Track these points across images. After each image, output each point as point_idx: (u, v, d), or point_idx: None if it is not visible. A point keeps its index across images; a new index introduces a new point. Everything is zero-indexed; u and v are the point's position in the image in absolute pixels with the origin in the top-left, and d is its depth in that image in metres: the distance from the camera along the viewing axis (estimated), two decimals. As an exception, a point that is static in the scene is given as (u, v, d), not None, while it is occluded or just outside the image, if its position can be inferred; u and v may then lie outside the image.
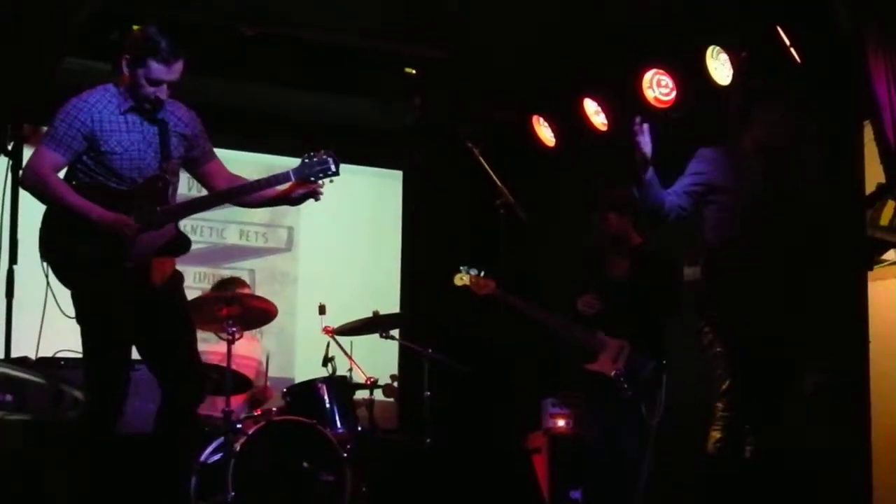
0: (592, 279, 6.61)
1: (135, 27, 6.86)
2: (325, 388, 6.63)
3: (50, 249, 4.89)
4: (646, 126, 5.13)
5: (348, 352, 6.97)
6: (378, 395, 6.92)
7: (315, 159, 5.23)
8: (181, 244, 5.14)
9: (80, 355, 5.28)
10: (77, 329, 5.04)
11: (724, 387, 5.25)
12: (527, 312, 6.46)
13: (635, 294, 6.40)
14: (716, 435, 5.26)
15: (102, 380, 4.91)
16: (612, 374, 6.32)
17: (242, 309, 6.31)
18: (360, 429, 6.64)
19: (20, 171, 4.97)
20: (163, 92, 5.00)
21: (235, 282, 7.37)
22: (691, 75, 7.11)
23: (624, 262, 6.55)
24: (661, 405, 6.32)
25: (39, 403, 4.74)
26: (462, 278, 6.46)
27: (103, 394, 4.90)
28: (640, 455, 6.28)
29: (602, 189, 6.74)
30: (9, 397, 4.72)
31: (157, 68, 4.94)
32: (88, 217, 4.83)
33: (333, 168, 5.23)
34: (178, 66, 5.00)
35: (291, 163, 9.01)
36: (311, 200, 5.25)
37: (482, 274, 6.44)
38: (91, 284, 4.87)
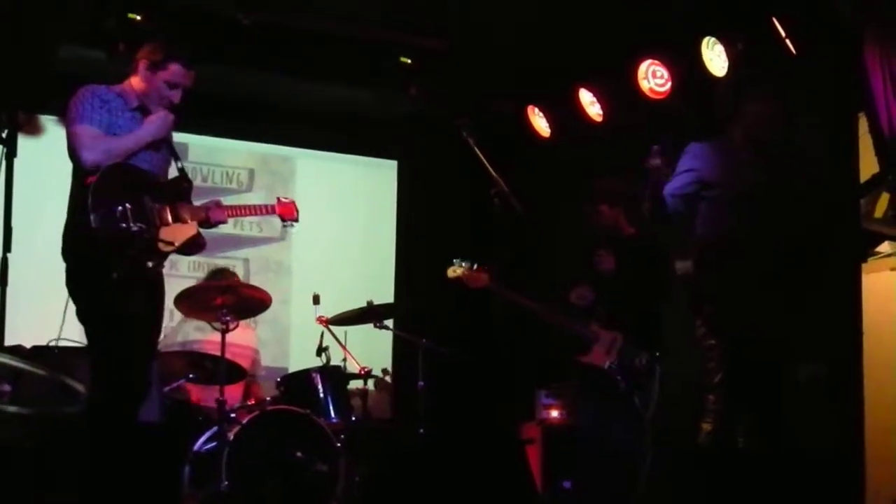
0: (585, 270, 6.60)
1: (130, 15, 6.93)
2: (319, 377, 6.64)
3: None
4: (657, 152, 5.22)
5: (342, 341, 6.97)
6: (372, 384, 6.93)
7: (289, 202, 5.85)
8: (200, 245, 5.28)
9: (74, 344, 5.28)
10: (71, 318, 5.05)
11: (716, 379, 5.25)
12: (521, 305, 6.45)
13: (628, 285, 6.39)
14: (706, 427, 5.25)
15: (115, 364, 4.89)
16: (606, 366, 6.32)
17: (237, 298, 6.32)
18: (353, 418, 6.65)
19: (75, 161, 4.99)
20: (176, 96, 5.16)
21: (224, 272, 7.39)
22: (687, 66, 7.11)
23: (616, 253, 6.53)
24: (655, 397, 6.31)
25: (38, 395, 4.72)
26: (455, 271, 6.41)
27: (116, 379, 4.88)
28: (633, 447, 6.27)
29: (593, 180, 6.72)
30: (6, 387, 4.71)
31: (179, 72, 5.14)
32: (143, 137, 5.05)
33: (298, 217, 5.88)
34: (193, 74, 5.21)
35: (287, 153, 9.05)
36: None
37: (475, 266, 6.41)
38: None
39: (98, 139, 4.96)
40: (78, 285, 4.99)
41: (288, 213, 5.82)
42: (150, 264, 4.97)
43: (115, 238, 4.81)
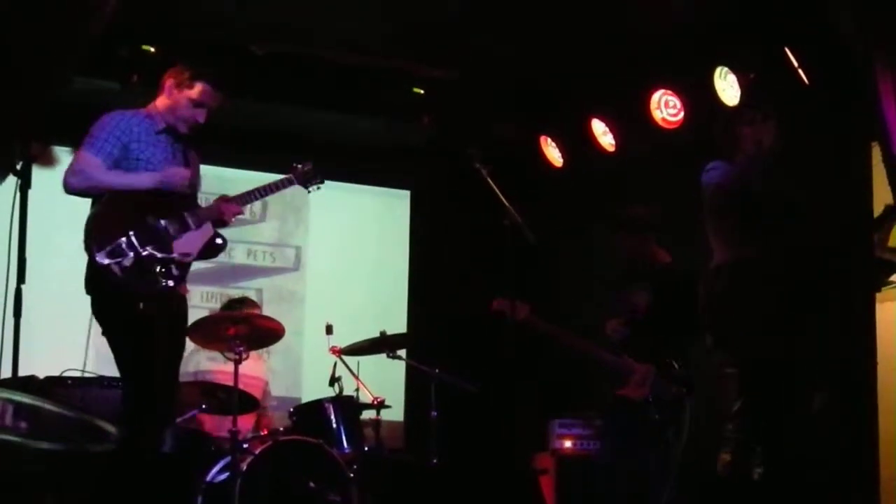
0: (617, 302, 6.55)
1: (144, 47, 6.97)
2: (331, 407, 6.62)
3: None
4: None
5: (355, 372, 6.95)
6: (385, 415, 6.91)
7: (308, 168, 5.81)
8: (219, 246, 5.30)
9: (87, 374, 5.27)
10: (81, 348, 5.04)
11: (735, 408, 5.24)
12: (557, 337, 6.44)
13: (660, 316, 6.34)
14: (726, 458, 5.23)
15: (146, 393, 4.85)
16: (639, 398, 6.28)
17: (250, 328, 6.30)
18: (366, 449, 6.63)
19: (64, 180, 5.03)
20: (202, 115, 5.17)
21: (246, 301, 7.37)
22: (699, 96, 7.11)
23: (647, 284, 6.46)
24: (686, 430, 6.25)
25: (59, 432, 4.69)
26: (500, 302, 6.33)
27: (147, 410, 4.86)
28: (660, 479, 6.21)
29: (619, 209, 6.66)
30: (23, 424, 4.69)
31: (206, 91, 5.16)
32: (142, 184, 5.00)
33: (321, 178, 5.87)
34: (221, 96, 5.22)
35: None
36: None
37: (517, 300, 6.32)
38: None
39: (90, 168, 4.98)
40: (105, 320, 4.99)
41: (315, 175, 5.79)
42: (170, 283, 4.95)
43: (129, 269, 4.81)
